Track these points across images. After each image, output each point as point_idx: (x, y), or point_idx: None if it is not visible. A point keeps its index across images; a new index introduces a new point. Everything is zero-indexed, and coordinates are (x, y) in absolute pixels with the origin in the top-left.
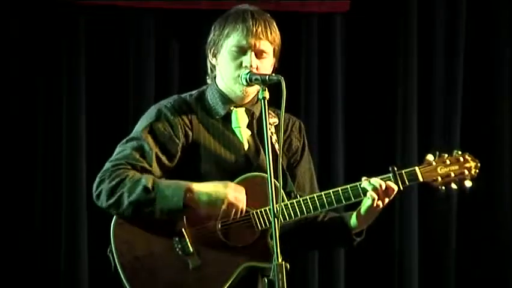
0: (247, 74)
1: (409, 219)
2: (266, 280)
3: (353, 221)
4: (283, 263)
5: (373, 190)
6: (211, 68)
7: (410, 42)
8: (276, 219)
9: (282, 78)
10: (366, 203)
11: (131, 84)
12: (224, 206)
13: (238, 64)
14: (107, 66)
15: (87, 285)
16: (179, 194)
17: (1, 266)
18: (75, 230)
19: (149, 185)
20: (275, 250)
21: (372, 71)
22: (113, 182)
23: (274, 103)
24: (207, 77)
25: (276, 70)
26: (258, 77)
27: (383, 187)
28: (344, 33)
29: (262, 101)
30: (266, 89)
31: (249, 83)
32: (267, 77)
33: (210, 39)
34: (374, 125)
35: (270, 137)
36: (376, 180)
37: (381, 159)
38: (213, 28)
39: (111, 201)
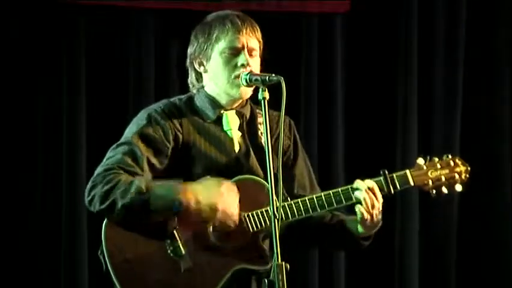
0: (247, 74)
1: (409, 219)
2: (266, 281)
3: (360, 227)
4: (283, 263)
5: (365, 191)
6: (196, 78)
7: (410, 42)
8: (276, 220)
9: (282, 78)
10: (359, 209)
11: (131, 84)
12: (217, 217)
13: (233, 65)
14: (107, 66)
15: (87, 285)
16: (173, 197)
17: (1, 266)
18: (75, 230)
19: (143, 186)
20: (275, 250)
21: (372, 71)
22: (107, 187)
23: (269, 103)
24: (192, 88)
25: (262, 68)
26: (258, 77)
27: (375, 188)
28: (344, 33)
29: (263, 101)
30: (266, 89)
31: (249, 83)
32: (267, 77)
33: (193, 49)
34: (374, 125)
35: (261, 137)
36: (368, 181)
37: (382, 159)
38: (193, 38)
39: (104, 205)
